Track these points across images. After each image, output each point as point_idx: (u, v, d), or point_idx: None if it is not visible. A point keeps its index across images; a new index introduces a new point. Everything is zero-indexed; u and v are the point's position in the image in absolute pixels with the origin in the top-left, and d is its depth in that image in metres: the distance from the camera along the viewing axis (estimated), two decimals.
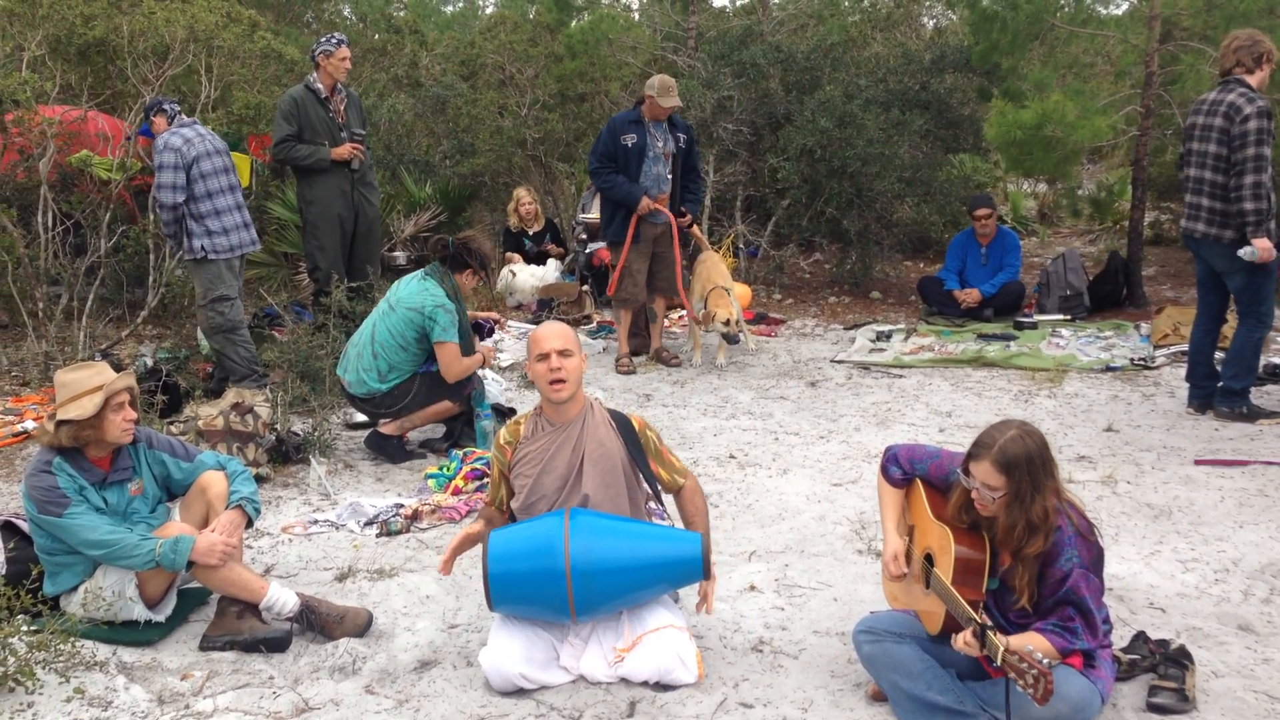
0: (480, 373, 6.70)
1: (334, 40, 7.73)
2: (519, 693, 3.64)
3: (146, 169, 8.64)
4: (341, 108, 7.88)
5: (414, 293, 6.00)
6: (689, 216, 8.10)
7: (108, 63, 9.42)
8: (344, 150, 7.78)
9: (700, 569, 3.66)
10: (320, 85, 7.74)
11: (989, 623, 3.12)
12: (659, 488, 4.03)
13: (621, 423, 4.01)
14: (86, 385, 3.95)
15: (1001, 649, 2.98)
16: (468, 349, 6.12)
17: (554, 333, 3.92)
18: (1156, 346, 8.02)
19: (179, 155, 6.67)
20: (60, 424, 3.94)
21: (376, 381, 6.03)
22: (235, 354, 6.95)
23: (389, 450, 6.17)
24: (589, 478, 3.89)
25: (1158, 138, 9.98)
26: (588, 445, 3.92)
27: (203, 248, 6.78)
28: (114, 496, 4.07)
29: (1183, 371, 6.79)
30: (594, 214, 9.96)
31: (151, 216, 8.32)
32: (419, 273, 6.16)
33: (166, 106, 6.97)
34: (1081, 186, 14.81)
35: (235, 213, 6.93)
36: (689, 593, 4.28)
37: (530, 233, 10.57)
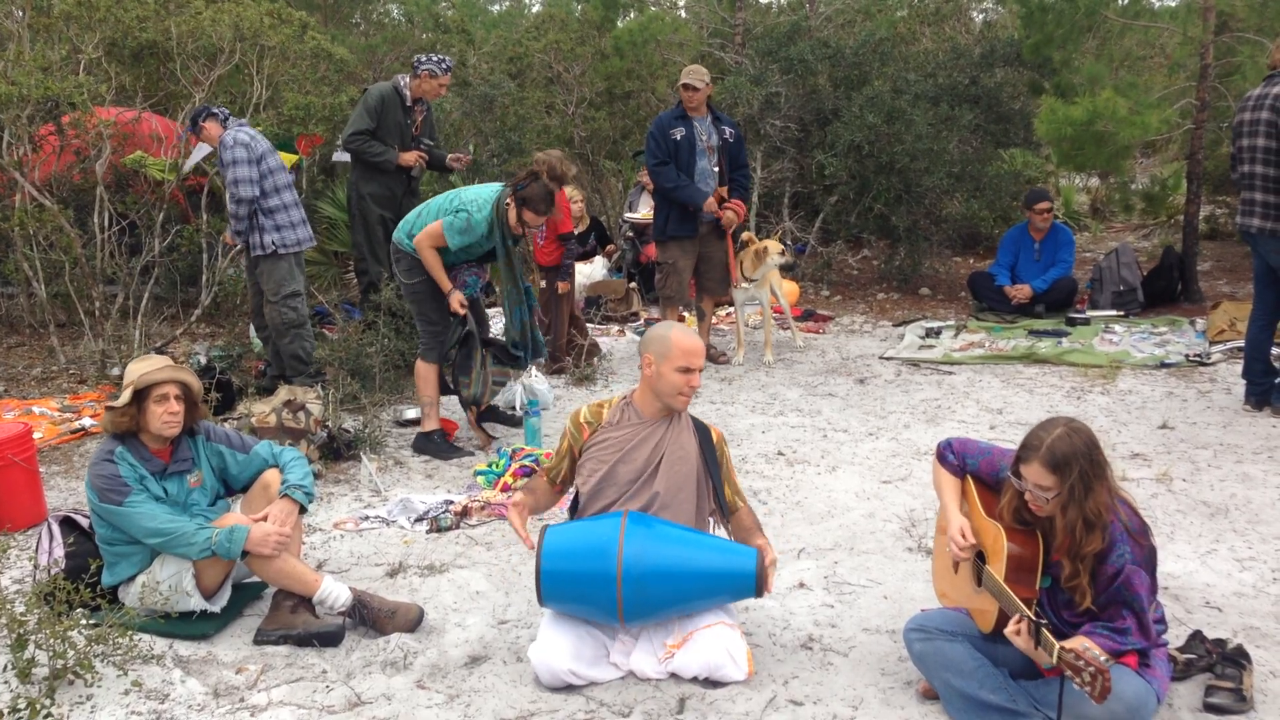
0: (529, 371, 6.77)
1: (445, 66, 7.84)
2: (568, 689, 3.65)
3: (199, 169, 8.75)
4: (420, 119, 7.99)
5: (478, 191, 6.11)
6: (736, 210, 8.01)
7: (160, 64, 9.54)
8: (411, 157, 7.88)
9: (753, 585, 3.64)
10: (407, 92, 7.83)
11: (1044, 619, 3.09)
12: (725, 504, 4.01)
13: (702, 431, 4.01)
14: (132, 375, 4.08)
15: (1057, 646, 2.95)
16: (452, 262, 6.16)
17: (702, 348, 3.91)
18: (1212, 342, 7.91)
19: (248, 150, 6.75)
20: (107, 409, 4.08)
21: (404, 234, 6.17)
22: (301, 350, 7.02)
23: (433, 449, 6.22)
24: (663, 478, 3.88)
25: (1213, 131, 9.84)
26: (669, 446, 3.92)
27: (272, 243, 6.86)
28: (173, 487, 4.14)
29: (1239, 368, 6.69)
30: (641, 213, 9.97)
31: (204, 216, 8.43)
32: (501, 185, 6.21)
33: (216, 111, 7.03)
34: (1135, 181, 14.63)
35: (295, 209, 7.02)
36: None
37: (575, 233, 10.54)
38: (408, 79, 7.84)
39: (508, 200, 6.03)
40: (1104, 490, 3.17)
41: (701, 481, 3.95)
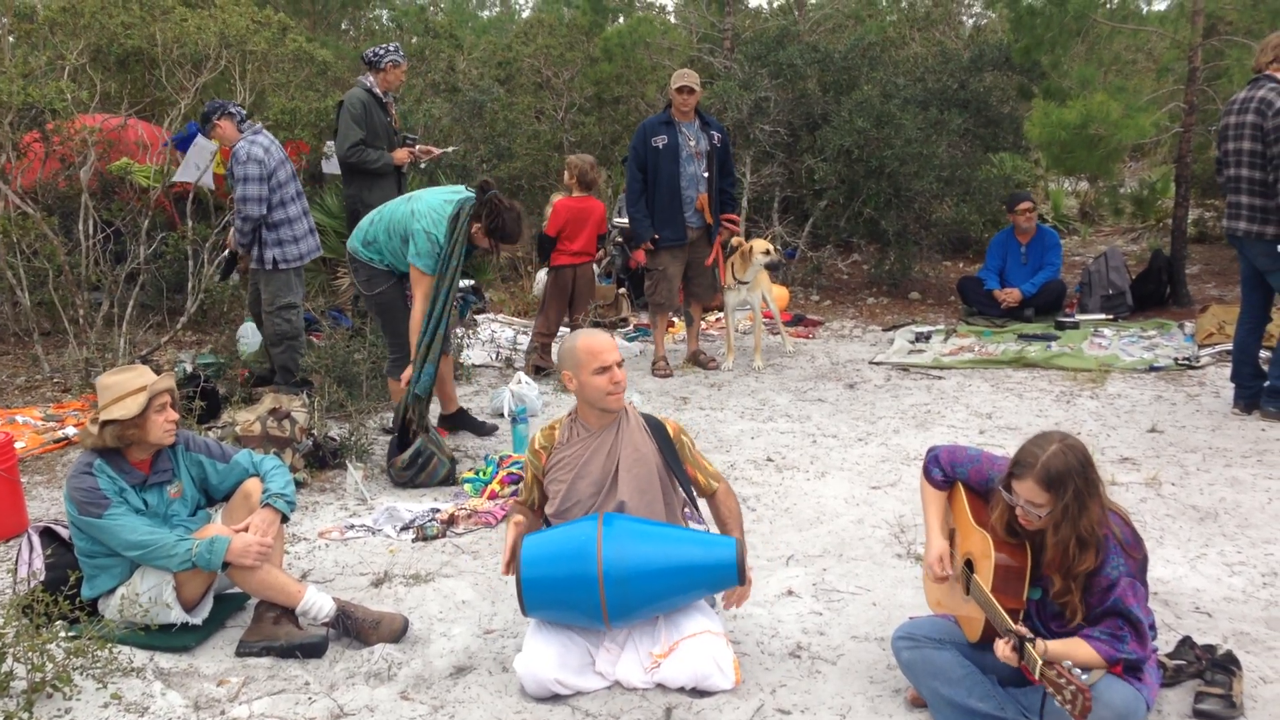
0: (518, 377, 6.73)
1: (400, 53, 7.81)
2: (554, 699, 3.62)
3: None
4: (393, 113, 7.96)
5: (429, 204, 5.85)
6: (731, 227, 8.08)
7: (146, 71, 9.50)
8: (403, 154, 7.87)
9: (735, 574, 3.62)
10: (379, 91, 7.78)
11: (1028, 633, 3.05)
12: (695, 493, 3.99)
13: (656, 428, 3.98)
14: (130, 386, 3.99)
15: (1040, 663, 2.91)
16: (438, 295, 5.75)
17: (610, 343, 3.88)
18: (1201, 346, 7.90)
19: (262, 167, 6.67)
20: (105, 425, 3.97)
21: (359, 242, 6.06)
22: (293, 360, 7.01)
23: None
24: (624, 483, 3.85)
25: (1201, 134, 9.85)
26: (623, 451, 3.89)
27: (273, 258, 6.82)
28: (154, 498, 4.09)
29: (1228, 371, 6.68)
30: None
31: (190, 222, 8.38)
32: (458, 191, 5.92)
33: (233, 110, 6.85)
34: (1123, 184, 14.65)
35: (303, 220, 6.97)
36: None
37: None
38: (372, 78, 7.76)
39: (475, 225, 5.77)
40: (1097, 507, 3.12)
41: (664, 479, 3.93)
